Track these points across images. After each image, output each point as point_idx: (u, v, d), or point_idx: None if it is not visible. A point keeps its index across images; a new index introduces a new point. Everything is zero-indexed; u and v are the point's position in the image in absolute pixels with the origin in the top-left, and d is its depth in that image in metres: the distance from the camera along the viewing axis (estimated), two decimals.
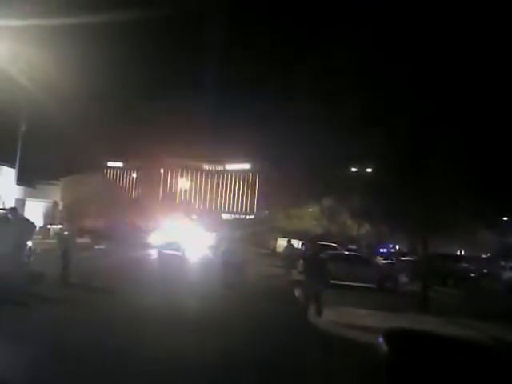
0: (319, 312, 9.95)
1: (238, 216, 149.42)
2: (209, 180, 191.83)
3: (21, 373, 4.86)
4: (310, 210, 48.62)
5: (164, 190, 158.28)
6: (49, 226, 29.60)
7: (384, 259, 28.90)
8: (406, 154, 14.28)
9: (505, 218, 37.62)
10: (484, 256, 34.78)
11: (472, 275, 22.86)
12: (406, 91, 13.80)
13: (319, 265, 10.18)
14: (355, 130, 18.01)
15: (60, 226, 12.76)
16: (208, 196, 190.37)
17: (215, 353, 6.46)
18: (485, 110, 13.34)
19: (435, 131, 13.58)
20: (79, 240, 15.22)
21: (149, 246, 29.69)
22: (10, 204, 26.97)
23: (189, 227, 55.51)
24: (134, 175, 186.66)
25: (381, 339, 2.12)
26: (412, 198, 14.03)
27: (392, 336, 2.18)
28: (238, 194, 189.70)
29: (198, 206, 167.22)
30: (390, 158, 15.37)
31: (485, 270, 23.74)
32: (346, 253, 22.95)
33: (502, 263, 26.08)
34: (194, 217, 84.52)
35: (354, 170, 35.74)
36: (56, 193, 41.22)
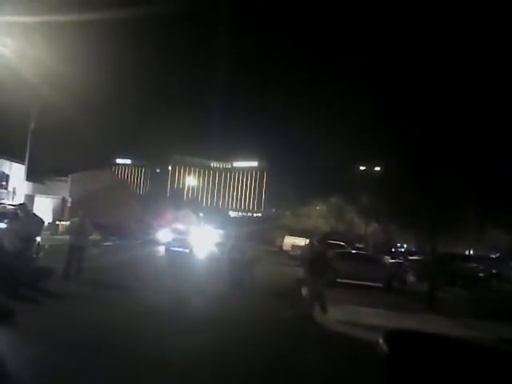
0: (324, 310, 9.94)
1: (245, 214, 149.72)
2: (216, 177, 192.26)
3: (28, 368, 4.91)
4: (318, 208, 48.50)
5: (172, 187, 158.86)
6: (57, 222, 29.85)
7: (392, 258, 28.75)
8: (416, 154, 14.21)
9: None
10: (493, 256, 34.50)
11: (481, 275, 22.66)
12: (416, 93, 13.74)
13: (324, 263, 10.14)
14: (364, 129, 17.95)
15: (75, 219, 12.69)
16: (215, 193, 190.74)
17: (212, 351, 6.45)
18: (496, 109, 13.22)
19: (445, 131, 13.49)
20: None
21: (157, 242, 29.84)
22: (20, 200, 27.24)
23: (196, 224, 55.72)
24: (143, 172, 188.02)
25: (381, 340, 2.10)
26: (420, 197, 13.95)
27: (393, 337, 2.16)
28: (246, 191, 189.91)
29: (206, 203, 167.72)
30: (399, 158, 15.30)
31: (493, 271, 23.52)
32: (354, 251, 22.86)
33: (511, 263, 25.84)
34: (202, 214, 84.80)
35: (362, 168, 35.55)
36: (65, 189, 41.54)
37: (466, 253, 39.81)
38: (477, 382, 1.88)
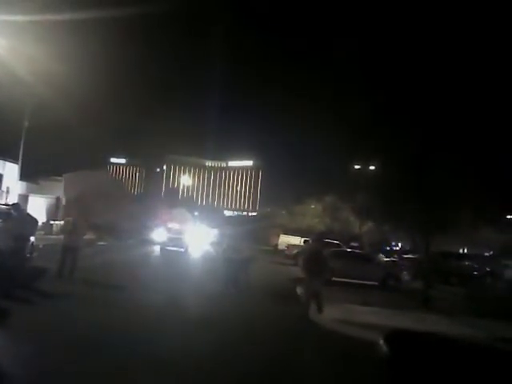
0: (320, 309, 9.94)
1: (240, 213, 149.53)
2: (211, 177, 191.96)
3: (23, 369, 4.87)
4: (313, 207, 48.50)
5: (167, 187, 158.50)
6: (51, 222, 29.67)
7: (386, 257, 28.84)
8: (410, 152, 14.26)
9: (508, 216, 37.39)
10: (487, 254, 34.67)
11: (475, 273, 22.78)
12: (410, 91, 13.78)
13: (320, 262, 10.13)
14: (360, 128, 17.99)
15: (69, 219, 12.67)
16: (210, 192, 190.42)
17: (209, 350, 6.42)
18: (489, 108, 13.28)
19: (439, 130, 13.54)
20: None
21: (152, 242, 29.75)
22: (14, 199, 27.07)
23: (191, 224, 55.59)
24: (137, 171, 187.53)
25: (381, 341, 2.10)
26: (415, 196, 14.00)
27: (393, 337, 2.16)
28: (241, 190, 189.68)
29: (201, 202, 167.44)
30: (395, 157, 15.34)
31: (488, 269, 23.65)
32: (349, 250, 22.91)
33: (505, 262, 25.98)
34: (197, 213, 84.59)
35: (357, 167, 35.58)
36: (59, 189, 41.23)
37: (461, 251, 39.98)
38: (476, 381, 1.87)
